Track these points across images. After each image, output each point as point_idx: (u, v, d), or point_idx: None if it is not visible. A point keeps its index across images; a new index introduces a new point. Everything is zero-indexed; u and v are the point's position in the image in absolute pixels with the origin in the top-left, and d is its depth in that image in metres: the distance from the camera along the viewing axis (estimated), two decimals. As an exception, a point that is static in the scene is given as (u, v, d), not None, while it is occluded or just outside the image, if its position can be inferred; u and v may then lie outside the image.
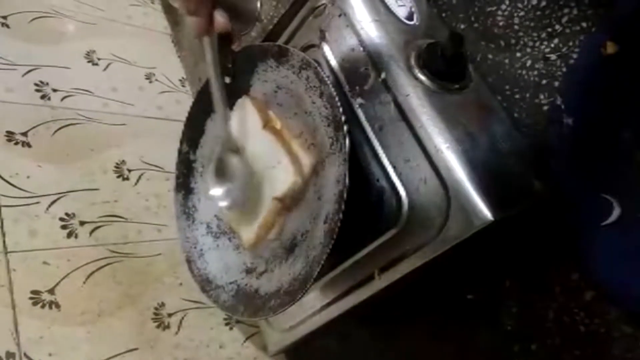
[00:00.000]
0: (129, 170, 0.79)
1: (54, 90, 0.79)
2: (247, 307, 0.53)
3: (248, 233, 0.55)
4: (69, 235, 0.67)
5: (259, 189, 0.52)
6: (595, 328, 0.46)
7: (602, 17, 0.45)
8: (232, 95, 0.57)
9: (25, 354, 0.56)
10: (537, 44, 0.49)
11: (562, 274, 0.48)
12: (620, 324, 0.44)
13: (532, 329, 0.50)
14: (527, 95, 0.50)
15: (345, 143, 0.44)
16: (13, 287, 0.59)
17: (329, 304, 0.55)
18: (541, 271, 0.50)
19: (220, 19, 0.40)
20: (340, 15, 0.51)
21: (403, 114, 0.46)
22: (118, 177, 0.78)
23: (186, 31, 1.01)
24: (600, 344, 0.46)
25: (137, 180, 0.79)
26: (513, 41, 0.51)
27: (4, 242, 0.62)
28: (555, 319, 0.49)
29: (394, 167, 0.47)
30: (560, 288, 0.48)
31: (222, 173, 0.51)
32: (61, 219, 0.68)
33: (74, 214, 0.69)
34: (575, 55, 0.47)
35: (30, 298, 0.60)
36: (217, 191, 0.51)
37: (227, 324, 0.73)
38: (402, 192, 0.46)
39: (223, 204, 0.51)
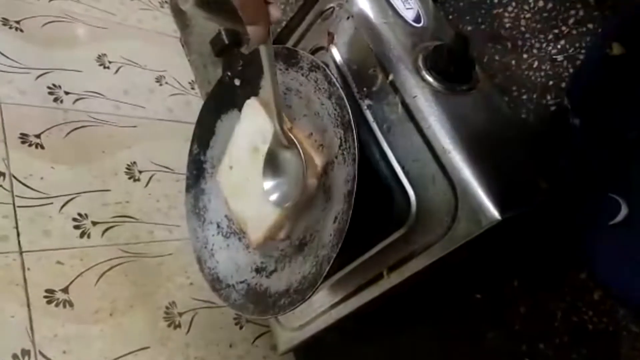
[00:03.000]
0: (140, 172, 0.80)
1: (67, 93, 0.81)
2: (257, 306, 0.54)
3: (256, 233, 0.56)
4: (82, 235, 0.69)
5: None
6: (603, 327, 0.46)
7: (608, 19, 0.45)
8: (242, 97, 0.58)
9: (40, 352, 0.57)
10: (544, 45, 0.50)
11: (570, 273, 0.48)
12: (627, 323, 0.45)
13: (540, 328, 0.51)
14: (534, 96, 0.51)
15: (354, 144, 0.44)
16: (28, 286, 0.61)
17: (338, 303, 0.56)
18: (549, 271, 0.50)
19: (276, 14, 0.38)
20: (348, 18, 0.52)
21: (411, 115, 0.46)
22: (129, 178, 0.79)
23: (195, 34, 1.02)
24: (607, 343, 0.46)
25: (148, 182, 0.80)
26: (520, 42, 0.52)
27: (19, 242, 0.63)
28: (563, 318, 0.49)
29: (402, 167, 0.47)
30: (568, 287, 0.49)
31: (273, 168, 0.50)
32: (74, 220, 0.69)
33: (86, 215, 0.71)
34: (581, 57, 0.47)
35: (45, 297, 0.61)
36: (266, 185, 0.50)
37: (237, 323, 0.74)
38: (411, 191, 0.46)
39: (272, 198, 0.51)
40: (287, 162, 0.49)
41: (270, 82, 0.44)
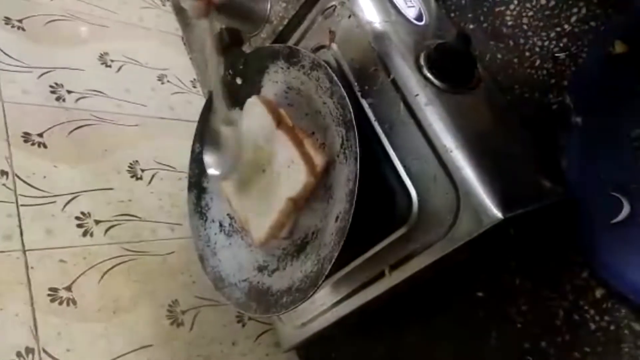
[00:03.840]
0: (142, 170, 0.80)
1: (69, 92, 0.81)
2: (259, 304, 0.54)
3: (259, 232, 0.56)
4: (85, 234, 0.69)
5: (272, 188, 0.52)
6: (605, 325, 0.46)
7: (610, 17, 0.45)
8: (244, 96, 0.58)
9: (43, 349, 0.57)
10: (546, 43, 0.50)
11: (572, 271, 0.48)
12: (629, 321, 0.45)
13: (542, 326, 0.51)
14: (536, 94, 0.51)
15: (355, 142, 0.44)
16: (31, 284, 0.61)
17: (340, 301, 0.56)
18: (551, 269, 0.50)
19: None
20: (349, 17, 0.51)
21: (412, 114, 0.46)
22: (132, 176, 0.79)
23: (197, 33, 1.02)
24: (609, 341, 0.46)
25: (150, 180, 0.80)
26: (522, 41, 0.52)
27: (22, 240, 0.63)
28: (565, 316, 0.49)
29: (404, 166, 0.47)
30: (570, 286, 0.49)
31: (215, 144, 0.53)
32: (77, 218, 0.70)
33: (89, 213, 0.71)
34: (584, 55, 0.47)
35: (48, 295, 0.61)
36: (209, 159, 0.53)
37: (239, 321, 0.75)
38: (412, 190, 0.46)
39: (214, 172, 0.53)
40: (227, 137, 0.52)
41: (211, 57, 0.47)
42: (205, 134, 0.53)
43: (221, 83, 0.49)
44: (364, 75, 0.50)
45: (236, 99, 0.59)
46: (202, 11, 0.42)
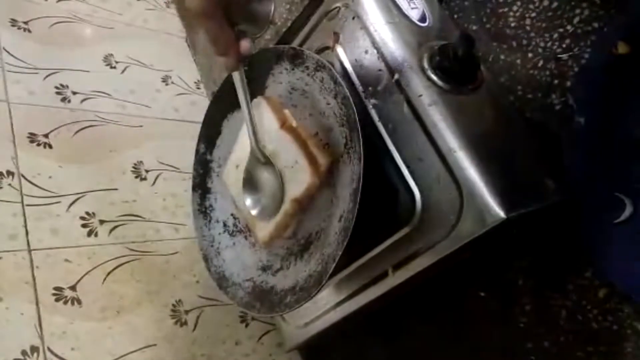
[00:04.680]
0: (147, 171, 0.81)
1: (74, 93, 0.82)
2: (263, 304, 0.54)
3: (264, 232, 0.56)
4: (89, 233, 0.69)
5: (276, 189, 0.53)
6: (608, 325, 0.46)
7: (613, 18, 0.45)
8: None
9: (48, 348, 0.58)
10: (549, 44, 0.50)
11: (575, 271, 0.49)
12: (632, 321, 0.45)
13: (545, 326, 0.51)
14: (539, 95, 0.51)
15: (359, 143, 0.45)
16: (37, 283, 0.61)
17: (343, 301, 0.56)
18: (554, 269, 0.50)
19: (245, 46, 0.43)
20: (353, 18, 0.52)
21: (416, 114, 0.47)
22: (136, 177, 0.79)
23: (201, 34, 1.03)
24: (612, 341, 0.46)
25: (155, 181, 0.81)
26: (525, 42, 0.52)
27: (28, 240, 0.64)
28: (568, 316, 0.49)
29: (408, 166, 0.47)
30: (573, 286, 0.49)
31: (251, 183, 0.54)
32: (82, 218, 0.70)
33: (93, 213, 0.71)
34: (586, 56, 0.47)
35: (53, 294, 0.62)
36: (247, 201, 0.54)
37: (243, 321, 0.75)
38: (416, 190, 0.47)
39: (254, 212, 0.54)
40: (265, 178, 0.53)
41: (243, 105, 0.49)
42: (245, 180, 0.55)
43: (253, 125, 0.51)
44: (368, 76, 0.51)
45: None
46: (235, 65, 0.44)
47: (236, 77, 0.46)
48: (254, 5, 0.45)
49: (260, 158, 0.53)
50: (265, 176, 0.53)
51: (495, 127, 0.49)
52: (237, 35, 0.43)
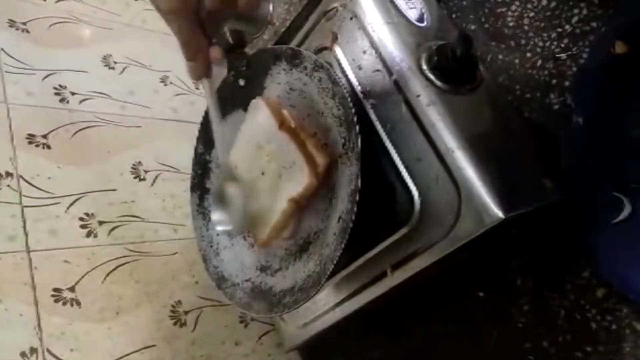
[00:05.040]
0: (146, 171, 0.81)
1: (72, 94, 0.82)
2: (262, 305, 0.55)
3: (263, 232, 0.56)
4: (88, 234, 0.69)
5: (274, 189, 0.53)
6: (607, 325, 0.46)
7: (611, 17, 0.45)
8: (247, 97, 0.58)
9: (47, 350, 0.58)
10: (547, 44, 0.50)
11: (574, 271, 0.49)
12: (631, 321, 0.45)
13: (543, 326, 0.51)
14: (538, 94, 0.51)
15: (357, 143, 0.45)
16: (35, 284, 0.61)
17: (342, 301, 0.56)
18: (553, 269, 0.50)
19: (215, 54, 0.42)
20: (351, 18, 0.52)
21: (414, 114, 0.47)
22: (135, 178, 0.79)
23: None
24: (611, 341, 0.46)
25: (154, 181, 0.81)
26: (523, 41, 0.52)
27: (27, 241, 0.64)
28: (567, 316, 0.49)
29: (406, 167, 0.47)
30: (571, 285, 0.49)
31: (222, 200, 0.53)
32: (80, 219, 0.70)
33: (92, 214, 0.71)
34: (585, 55, 0.47)
35: (52, 295, 0.62)
36: (217, 217, 0.53)
37: (242, 321, 0.75)
38: (414, 190, 0.47)
39: (223, 228, 0.53)
40: (232, 196, 0.52)
41: (212, 115, 0.47)
42: (213, 194, 0.54)
43: (222, 140, 0.50)
44: (366, 77, 0.51)
45: (239, 101, 0.60)
46: (202, 72, 0.43)
47: (205, 85, 0.45)
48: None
49: (229, 174, 0.52)
50: (234, 193, 0.52)
51: (493, 127, 0.49)
52: (210, 42, 0.42)
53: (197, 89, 0.99)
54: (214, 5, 0.39)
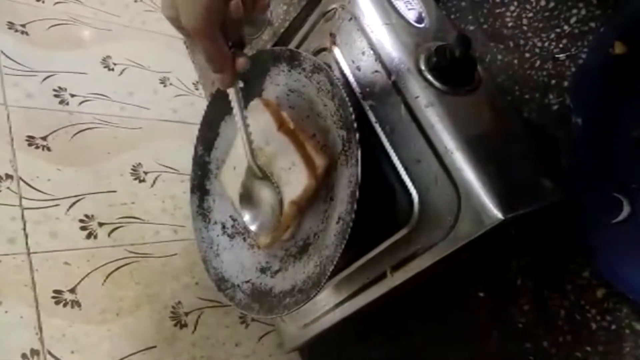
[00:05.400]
0: (145, 173, 0.81)
1: (72, 96, 0.82)
2: (262, 306, 0.55)
3: (264, 235, 0.56)
4: (89, 236, 0.69)
5: (274, 190, 0.53)
6: (607, 325, 0.46)
7: (610, 18, 0.45)
8: (246, 98, 0.58)
9: (48, 351, 0.58)
10: (546, 44, 0.50)
11: (574, 272, 0.49)
12: (631, 321, 0.45)
13: (543, 326, 0.51)
14: (537, 95, 0.51)
15: (356, 144, 0.45)
16: (36, 286, 0.61)
17: (342, 302, 0.56)
18: (553, 269, 0.50)
19: (242, 64, 0.43)
20: (350, 19, 0.52)
21: (413, 116, 0.47)
22: (135, 179, 0.79)
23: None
24: (611, 341, 0.46)
25: (154, 182, 0.81)
26: (522, 42, 0.52)
27: (27, 243, 0.64)
28: (567, 316, 0.49)
29: (405, 168, 0.47)
30: (571, 286, 0.49)
31: (248, 199, 0.55)
32: (80, 221, 0.70)
33: (92, 216, 0.71)
34: (584, 56, 0.47)
35: (53, 297, 0.62)
36: (246, 217, 0.55)
37: (242, 322, 0.75)
38: (413, 192, 0.47)
39: (253, 227, 0.55)
40: (262, 193, 0.54)
41: (239, 121, 0.49)
42: (242, 195, 0.55)
43: (249, 141, 0.51)
44: (365, 78, 0.51)
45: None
46: (230, 82, 0.45)
47: (232, 93, 0.47)
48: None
49: (258, 173, 0.53)
50: (262, 191, 0.54)
51: (492, 128, 0.49)
52: (233, 52, 0.43)
53: (196, 89, 1.00)
54: (239, 14, 0.40)
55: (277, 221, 0.53)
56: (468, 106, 0.48)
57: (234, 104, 0.48)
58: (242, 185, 0.55)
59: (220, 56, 0.42)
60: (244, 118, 0.49)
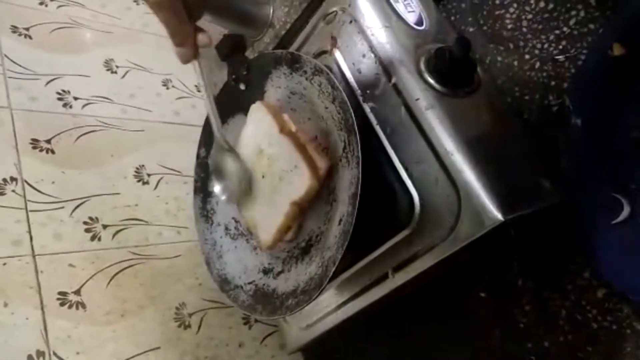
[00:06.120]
0: (149, 175, 0.81)
1: (75, 98, 0.82)
2: (265, 307, 0.55)
3: (266, 235, 0.57)
4: (93, 238, 0.70)
5: (276, 192, 0.53)
6: (607, 325, 0.47)
7: (609, 19, 0.45)
8: (248, 101, 0.58)
9: (54, 353, 0.58)
10: (546, 46, 0.50)
11: (574, 272, 0.49)
12: (631, 321, 0.45)
13: (544, 326, 0.51)
14: (536, 96, 0.51)
15: (357, 146, 0.45)
16: (41, 288, 0.62)
17: (344, 303, 0.57)
18: (553, 269, 0.50)
19: (203, 39, 0.45)
20: (351, 22, 0.52)
21: (413, 118, 0.47)
22: (138, 181, 0.80)
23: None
24: (612, 341, 0.46)
25: (157, 184, 0.81)
26: (521, 43, 0.52)
27: (32, 245, 0.65)
28: (568, 316, 0.49)
29: (406, 169, 0.48)
30: (572, 286, 0.49)
31: (219, 172, 0.56)
32: (85, 223, 0.71)
33: (97, 218, 0.72)
34: (583, 57, 0.47)
35: (58, 299, 0.62)
36: (216, 188, 0.57)
37: (245, 323, 0.75)
38: (414, 193, 0.47)
39: (223, 198, 0.57)
40: (230, 165, 0.56)
41: (204, 93, 0.50)
42: (211, 169, 0.58)
43: (215, 111, 0.52)
44: (366, 80, 0.51)
45: (240, 105, 0.60)
46: (190, 56, 0.46)
47: (195, 65, 0.48)
48: (253, 9, 0.46)
49: (224, 145, 0.55)
50: (230, 163, 0.56)
51: (492, 129, 0.49)
52: (195, 28, 0.44)
53: (198, 92, 1.00)
54: None
55: (245, 191, 0.56)
56: (468, 108, 0.48)
57: (198, 77, 0.49)
58: (211, 159, 0.57)
59: (181, 29, 0.43)
60: (208, 91, 0.50)
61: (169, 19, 0.42)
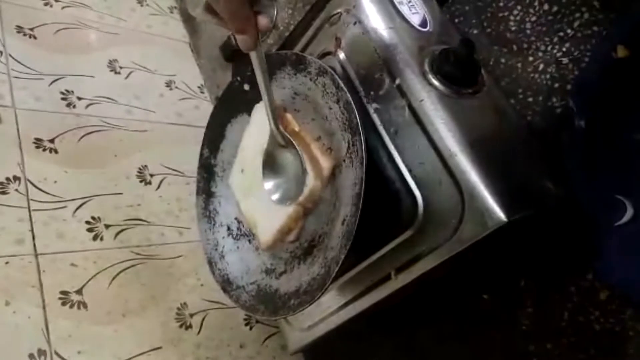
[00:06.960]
0: (151, 175, 0.82)
1: (79, 99, 0.83)
2: (267, 307, 0.55)
3: (266, 235, 0.57)
4: (95, 238, 0.70)
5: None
6: (610, 327, 0.46)
7: (613, 22, 0.46)
8: (251, 101, 0.59)
9: (55, 352, 0.58)
10: (549, 47, 0.50)
11: (577, 274, 0.49)
12: (634, 323, 0.45)
13: (547, 328, 0.51)
14: (540, 98, 0.51)
15: (361, 147, 0.45)
16: (43, 287, 0.62)
17: (346, 304, 0.56)
18: (556, 271, 0.50)
19: (264, 23, 0.41)
20: (355, 23, 0.52)
21: (417, 119, 0.47)
22: (141, 181, 0.80)
23: (204, 39, 1.03)
24: (614, 343, 0.46)
25: (159, 185, 0.81)
26: (525, 45, 0.52)
27: (34, 245, 0.65)
28: (571, 318, 0.49)
29: (410, 170, 0.48)
30: (575, 288, 0.49)
31: (271, 167, 0.53)
32: (87, 223, 0.71)
33: (99, 218, 0.72)
34: (587, 59, 0.47)
35: (60, 298, 0.62)
36: (267, 185, 0.53)
37: (247, 324, 0.75)
38: (418, 194, 0.47)
39: (274, 197, 0.53)
40: (285, 161, 0.52)
41: (262, 84, 0.47)
42: (264, 163, 0.53)
43: (272, 107, 0.49)
44: (370, 81, 0.51)
45: (244, 105, 0.60)
46: (252, 44, 0.42)
47: (254, 56, 0.44)
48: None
49: (280, 141, 0.51)
50: (286, 159, 0.52)
51: (496, 131, 0.49)
52: (255, 12, 0.40)
53: (201, 93, 1.00)
54: None
55: (300, 190, 0.50)
56: (472, 109, 0.48)
57: (256, 69, 0.45)
58: (265, 153, 0.53)
59: (242, 13, 0.39)
60: (267, 83, 0.47)
61: (227, 3, 0.38)
